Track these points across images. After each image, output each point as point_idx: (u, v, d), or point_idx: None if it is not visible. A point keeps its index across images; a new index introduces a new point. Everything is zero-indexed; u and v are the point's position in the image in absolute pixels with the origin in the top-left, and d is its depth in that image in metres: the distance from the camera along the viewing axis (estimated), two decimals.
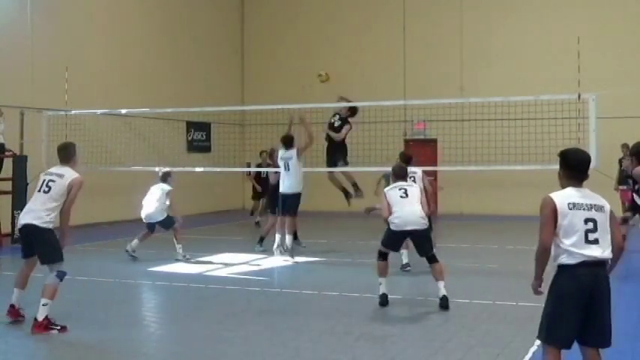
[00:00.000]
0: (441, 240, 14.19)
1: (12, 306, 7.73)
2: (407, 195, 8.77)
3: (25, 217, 7.55)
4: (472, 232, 15.64)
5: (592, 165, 12.53)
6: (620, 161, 17.96)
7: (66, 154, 7.91)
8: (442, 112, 17.66)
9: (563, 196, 4.66)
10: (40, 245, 7.49)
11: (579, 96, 12.43)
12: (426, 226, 8.76)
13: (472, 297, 9.05)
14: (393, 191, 8.84)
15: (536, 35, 20.94)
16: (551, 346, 4.71)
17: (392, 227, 8.64)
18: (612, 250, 4.70)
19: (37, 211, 7.46)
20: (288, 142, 12.63)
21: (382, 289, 8.62)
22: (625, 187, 17.33)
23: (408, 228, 8.59)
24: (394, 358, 6.40)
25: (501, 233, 16.18)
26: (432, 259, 8.68)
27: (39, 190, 7.58)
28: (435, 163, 19.65)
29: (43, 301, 7.27)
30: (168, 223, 12.68)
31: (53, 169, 7.75)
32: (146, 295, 9.80)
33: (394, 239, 8.79)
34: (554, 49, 20.24)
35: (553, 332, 4.66)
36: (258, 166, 17.64)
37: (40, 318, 7.22)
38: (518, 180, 18.74)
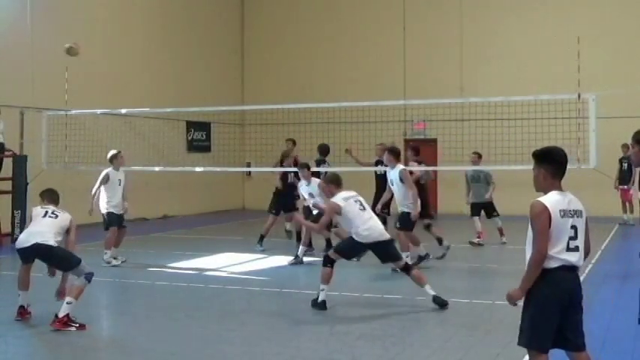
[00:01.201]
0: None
1: (22, 307, 7.87)
2: (364, 207, 8.62)
3: (31, 238, 7.66)
4: (472, 232, 15.57)
5: (592, 165, 12.53)
6: (621, 161, 17.98)
7: (55, 197, 8.28)
8: (442, 112, 17.65)
9: (554, 203, 4.56)
10: (54, 260, 7.76)
11: (579, 96, 12.42)
12: (389, 237, 8.70)
13: (472, 297, 9.05)
14: (348, 203, 8.54)
15: (536, 35, 20.93)
16: (534, 350, 4.66)
17: (359, 239, 8.47)
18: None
19: (44, 233, 7.67)
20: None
21: (323, 296, 8.36)
22: (625, 187, 17.37)
23: (377, 240, 8.48)
24: (394, 358, 6.40)
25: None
26: (407, 269, 8.58)
27: (44, 216, 7.80)
28: (435, 163, 19.64)
29: (68, 299, 7.46)
30: (107, 220, 11.83)
31: (50, 207, 8.03)
32: (146, 295, 9.80)
33: (357, 250, 8.75)
34: (554, 49, 20.23)
35: (536, 336, 4.60)
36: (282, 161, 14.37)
37: (61, 315, 7.38)
38: (518, 180, 18.64)
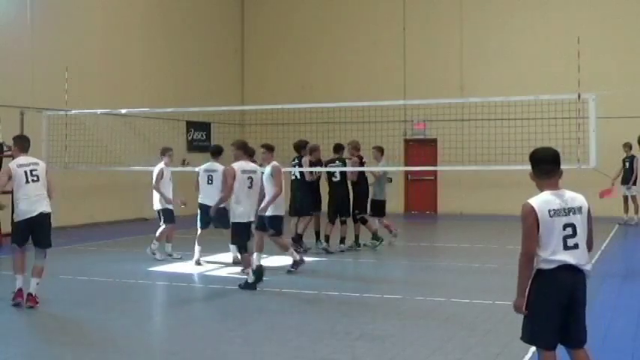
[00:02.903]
0: (441, 240, 14.20)
1: (20, 290, 8.17)
2: (252, 186, 9.36)
3: (33, 208, 8.02)
4: (472, 232, 15.65)
5: (592, 165, 12.53)
6: (624, 161, 17.98)
7: (28, 144, 8.60)
8: (442, 112, 17.65)
9: (543, 203, 4.57)
10: (46, 231, 8.18)
11: (579, 96, 12.42)
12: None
13: (472, 297, 9.05)
14: (241, 176, 9.29)
15: (536, 35, 20.93)
16: (537, 347, 4.73)
17: (233, 216, 9.36)
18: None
19: (42, 201, 8.08)
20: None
21: (257, 262, 9.53)
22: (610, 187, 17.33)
23: (252, 219, 9.45)
24: (394, 358, 6.40)
25: (501, 233, 16.17)
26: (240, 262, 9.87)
27: (27, 182, 8.06)
28: (435, 163, 19.65)
29: (38, 280, 8.06)
30: (165, 215, 12.21)
31: (25, 160, 8.26)
32: (146, 295, 9.80)
33: (243, 231, 9.52)
34: (554, 49, 20.22)
35: (537, 334, 4.65)
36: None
37: (35, 293, 8.01)
38: (518, 180, 18.59)
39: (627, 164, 17.82)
